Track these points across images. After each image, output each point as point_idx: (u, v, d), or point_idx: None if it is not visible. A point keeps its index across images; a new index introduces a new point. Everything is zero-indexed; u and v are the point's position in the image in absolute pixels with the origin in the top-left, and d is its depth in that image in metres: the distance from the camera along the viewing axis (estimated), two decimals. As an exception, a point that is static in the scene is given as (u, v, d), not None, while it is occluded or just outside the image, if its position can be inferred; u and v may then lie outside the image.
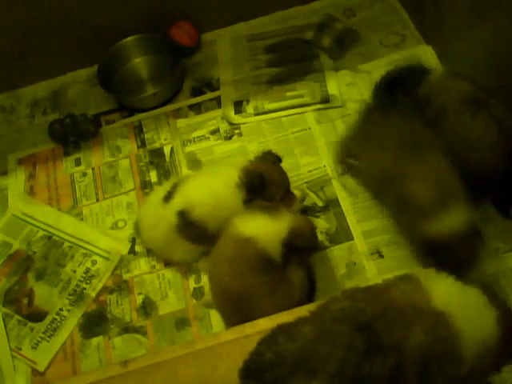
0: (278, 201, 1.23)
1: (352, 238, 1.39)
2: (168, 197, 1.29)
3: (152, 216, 1.33)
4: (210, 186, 1.26)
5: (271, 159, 1.31)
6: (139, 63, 1.79)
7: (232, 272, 1.14)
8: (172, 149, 1.61)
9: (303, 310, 1.07)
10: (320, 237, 1.40)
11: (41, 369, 1.31)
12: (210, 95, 1.70)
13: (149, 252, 1.43)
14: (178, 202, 1.27)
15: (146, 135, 1.65)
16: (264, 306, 1.11)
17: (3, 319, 1.38)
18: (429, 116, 1.28)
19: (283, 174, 1.29)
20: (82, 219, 1.52)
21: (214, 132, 1.62)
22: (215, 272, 1.20)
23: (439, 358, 0.85)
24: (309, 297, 1.22)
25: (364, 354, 0.82)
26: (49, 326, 1.36)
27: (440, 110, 1.25)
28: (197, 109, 1.68)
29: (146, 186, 1.55)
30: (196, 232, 1.27)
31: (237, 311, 1.14)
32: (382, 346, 0.83)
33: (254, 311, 1.11)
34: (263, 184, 1.22)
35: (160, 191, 1.34)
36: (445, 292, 0.90)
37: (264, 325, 1.08)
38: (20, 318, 1.38)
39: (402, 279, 0.95)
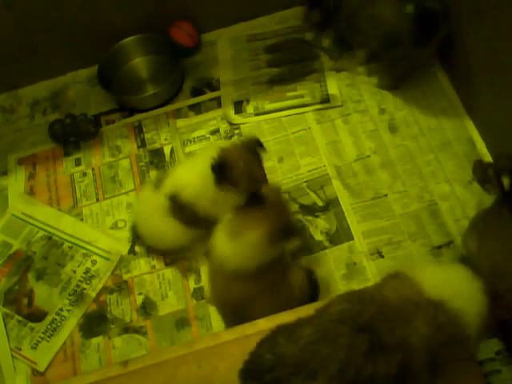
0: (243, 189, 1.19)
1: (352, 238, 1.39)
2: (158, 182, 1.30)
3: (145, 203, 1.35)
4: (195, 168, 1.26)
5: (249, 148, 1.25)
6: (139, 63, 1.79)
7: (228, 286, 1.15)
8: (172, 149, 1.61)
9: (303, 310, 1.07)
10: (320, 237, 1.40)
11: (41, 369, 1.31)
12: (210, 95, 1.70)
13: (149, 252, 1.43)
14: (167, 186, 1.27)
15: (146, 135, 1.65)
16: (263, 310, 1.12)
17: (3, 319, 1.38)
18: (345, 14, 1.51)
19: (253, 164, 1.23)
20: (81, 219, 1.52)
21: (214, 132, 1.62)
22: (213, 285, 1.21)
23: (447, 344, 0.87)
24: (312, 298, 1.23)
25: (366, 355, 0.82)
26: (49, 326, 1.36)
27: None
28: (197, 109, 1.68)
29: (146, 186, 1.55)
30: (187, 214, 1.26)
31: (237, 317, 1.15)
32: (384, 346, 0.83)
33: (254, 317, 1.11)
34: (223, 172, 1.19)
35: (151, 183, 1.36)
36: (433, 280, 0.92)
37: (264, 325, 1.08)
38: (20, 318, 1.38)
39: (390, 278, 0.96)
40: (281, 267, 1.19)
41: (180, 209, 1.26)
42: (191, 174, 1.25)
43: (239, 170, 1.20)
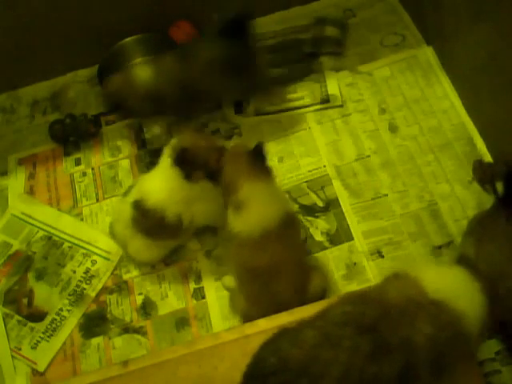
0: (216, 164, 1.19)
1: (352, 239, 1.39)
2: (127, 192, 1.32)
3: (115, 211, 1.39)
4: (159, 175, 1.26)
5: (195, 129, 1.29)
6: (139, 63, 1.79)
7: (254, 253, 1.16)
8: (172, 149, 1.61)
9: (304, 311, 1.07)
10: (320, 237, 1.40)
11: (41, 369, 1.31)
12: (210, 95, 1.70)
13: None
14: (133, 194, 1.29)
15: (146, 135, 1.65)
16: (289, 286, 1.15)
17: (3, 319, 1.38)
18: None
19: (208, 137, 1.26)
20: (81, 219, 1.52)
21: (214, 132, 1.62)
22: (239, 258, 1.21)
23: (450, 343, 0.88)
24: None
25: (370, 356, 0.82)
26: (49, 326, 1.36)
27: None
28: (197, 109, 1.68)
29: (146, 186, 1.55)
30: (151, 221, 1.25)
31: (265, 288, 1.16)
32: (389, 346, 0.84)
33: (280, 289, 1.14)
34: (187, 154, 1.18)
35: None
36: (435, 281, 0.93)
37: (264, 325, 1.09)
38: (20, 318, 1.38)
39: (393, 278, 0.96)
40: (304, 262, 1.24)
41: (144, 216, 1.25)
42: (157, 179, 1.25)
43: (204, 147, 1.20)
